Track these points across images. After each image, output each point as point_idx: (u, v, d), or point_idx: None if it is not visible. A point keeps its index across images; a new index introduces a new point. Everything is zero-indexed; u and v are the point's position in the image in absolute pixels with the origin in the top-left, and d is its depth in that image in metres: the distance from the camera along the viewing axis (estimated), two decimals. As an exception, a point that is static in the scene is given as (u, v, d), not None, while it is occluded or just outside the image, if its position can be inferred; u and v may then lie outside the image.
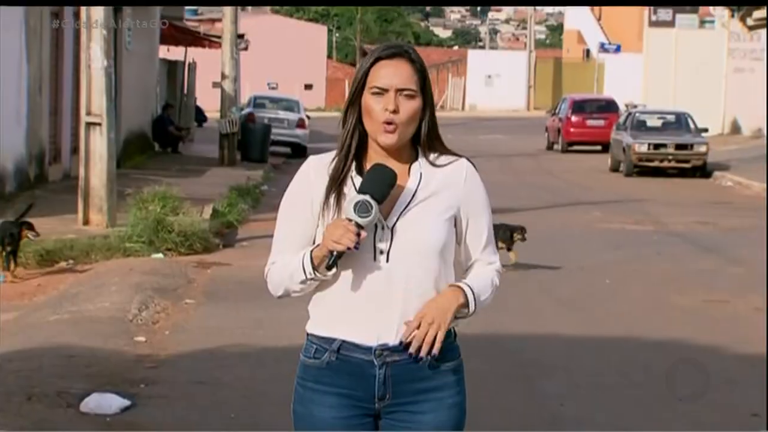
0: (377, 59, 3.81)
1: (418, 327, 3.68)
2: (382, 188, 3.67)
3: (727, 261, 16.30)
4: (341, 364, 3.77)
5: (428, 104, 3.85)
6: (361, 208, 3.61)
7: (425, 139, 3.85)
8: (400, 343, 3.73)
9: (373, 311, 3.74)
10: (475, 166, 3.92)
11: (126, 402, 8.42)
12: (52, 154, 23.44)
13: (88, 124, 17.18)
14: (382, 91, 3.75)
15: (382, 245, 3.74)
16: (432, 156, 3.86)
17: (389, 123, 3.74)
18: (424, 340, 3.67)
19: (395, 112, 3.73)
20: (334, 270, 3.70)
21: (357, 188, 3.71)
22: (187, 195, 18.65)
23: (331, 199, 3.76)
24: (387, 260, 3.74)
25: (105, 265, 14.77)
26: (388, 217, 3.76)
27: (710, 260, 16.56)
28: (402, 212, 3.76)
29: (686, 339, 11.10)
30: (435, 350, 3.68)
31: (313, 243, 3.79)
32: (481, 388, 8.81)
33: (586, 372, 9.90)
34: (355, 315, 3.75)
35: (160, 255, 15.52)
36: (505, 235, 14.74)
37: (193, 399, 8.81)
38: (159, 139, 33.43)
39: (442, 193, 3.81)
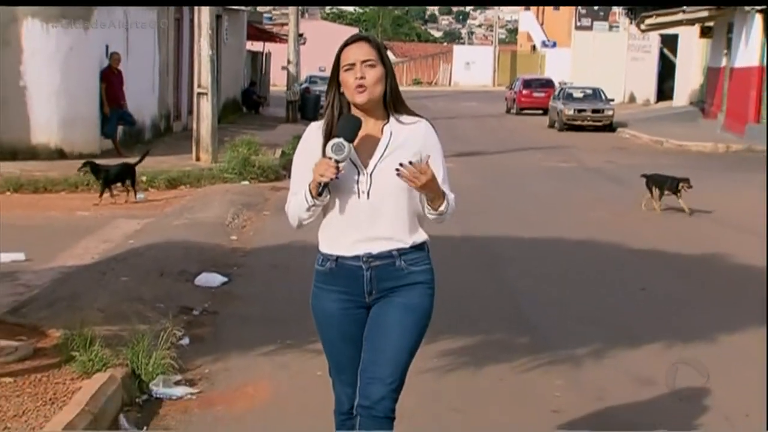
0: (345, 45, 3.58)
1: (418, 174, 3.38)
2: (352, 132, 3.44)
3: (624, 187, 16.21)
4: (339, 270, 3.58)
5: (389, 72, 3.58)
6: (336, 148, 3.39)
7: (390, 99, 3.59)
8: (383, 252, 3.52)
9: (360, 235, 3.54)
10: (432, 125, 3.66)
11: (225, 278, 8.48)
12: (175, 113, 23.52)
13: (199, 94, 17.20)
14: (351, 66, 3.51)
15: (363, 187, 3.51)
16: (399, 116, 3.61)
17: (360, 86, 3.50)
18: (413, 176, 3.37)
19: (363, 78, 3.49)
20: (327, 196, 3.49)
21: None
22: (264, 142, 18.81)
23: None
24: (368, 198, 3.51)
25: (210, 189, 14.81)
26: (368, 165, 3.52)
27: (613, 187, 16.52)
28: (378, 161, 3.52)
29: (598, 239, 11.08)
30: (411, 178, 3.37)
31: None
32: (458, 273, 8.82)
33: (533, 262, 9.87)
34: (347, 238, 3.56)
35: (247, 182, 15.57)
36: (673, 185, 12.98)
37: (268, 277, 8.84)
38: (246, 104, 33.48)
39: (407, 145, 3.54)
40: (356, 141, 3.48)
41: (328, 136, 3.50)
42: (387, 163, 3.51)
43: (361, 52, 3.52)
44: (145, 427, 5.02)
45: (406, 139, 3.55)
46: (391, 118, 3.60)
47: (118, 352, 5.57)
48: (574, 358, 6.39)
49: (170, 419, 5.15)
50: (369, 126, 3.55)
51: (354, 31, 68.64)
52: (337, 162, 3.40)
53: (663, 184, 13.16)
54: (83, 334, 5.64)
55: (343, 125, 3.47)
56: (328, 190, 3.48)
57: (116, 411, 5.07)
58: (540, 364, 6.24)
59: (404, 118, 3.61)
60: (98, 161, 13.69)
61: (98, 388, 5.00)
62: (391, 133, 3.56)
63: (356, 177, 3.51)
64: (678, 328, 7.27)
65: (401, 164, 3.40)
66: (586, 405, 5.50)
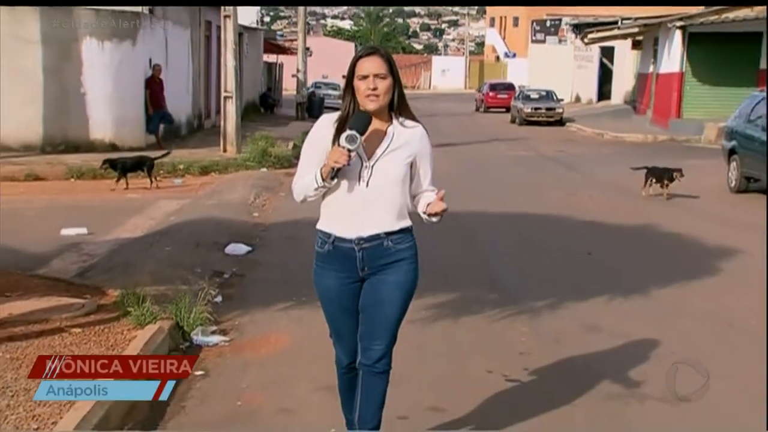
0: (360, 57, 3.43)
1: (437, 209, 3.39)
2: (363, 126, 3.34)
3: (574, 172, 16.23)
4: (335, 252, 3.47)
5: (397, 82, 3.45)
6: (349, 139, 3.30)
7: (396, 105, 3.47)
8: (373, 234, 3.43)
9: (356, 218, 3.43)
10: (427, 131, 3.54)
11: (249, 248, 8.46)
12: (206, 113, 23.41)
13: (225, 97, 17.15)
14: (364, 78, 3.38)
15: (365, 177, 3.40)
16: (402, 120, 3.48)
17: (371, 96, 3.39)
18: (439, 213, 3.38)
19: (375, 89, 3.37)
20: (335, 180, 3.39)
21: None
22: (278, 136, 18.70)
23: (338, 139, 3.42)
24: (367, 186, 3.40)
25: (235, 175, 14.75)
26: (371, 158, 3.42)
27: (565, 171, 16.50)
28: (379, 157, 3.42)
29: (554, 214, 11.06)
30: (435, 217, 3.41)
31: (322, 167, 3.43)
32: (439, 243, 8.80)
33: (501, 233, 9.86)
34: (344, 220, 3.45)
35: (265, 169, 15.50)
36: (667, 174, 12.31)
37: (284, 246, 8.80)
38: (263, 106, 33.21)
39: (405, 146, 3.45)
40: (365, 136, 3.39)
41: (341, 130, 3.42)
42: (388, 158, 3.43)
43: (373, 65, 3.40)
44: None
45: (405, 141, 3.46)
46: (395, 121, 3.49)
47: (165, 308, 5.59)
48: (534, 310, 6.40)
49: (208, 362, 5.15)
50: (376, 125, 3.45)
51: (351, 45, 68.61)
52: (350, 151, 3.32)
53: (661, 175, 12.63)
54: (136, 294, 5.66)
55: (356, 120, 3.38)
56: (336, 175, 3.41)
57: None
58: (507, 316, 6.25)
59: (406, 122, 3.50)
60: (139, 153, 13.66)
61: (150, 337, 5.03)
62: (393, 134, 3.46)
63: (360, 167, 3.41)
64: (618, 285, 7.28)
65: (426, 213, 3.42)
66: (547, 348, 5.51)
